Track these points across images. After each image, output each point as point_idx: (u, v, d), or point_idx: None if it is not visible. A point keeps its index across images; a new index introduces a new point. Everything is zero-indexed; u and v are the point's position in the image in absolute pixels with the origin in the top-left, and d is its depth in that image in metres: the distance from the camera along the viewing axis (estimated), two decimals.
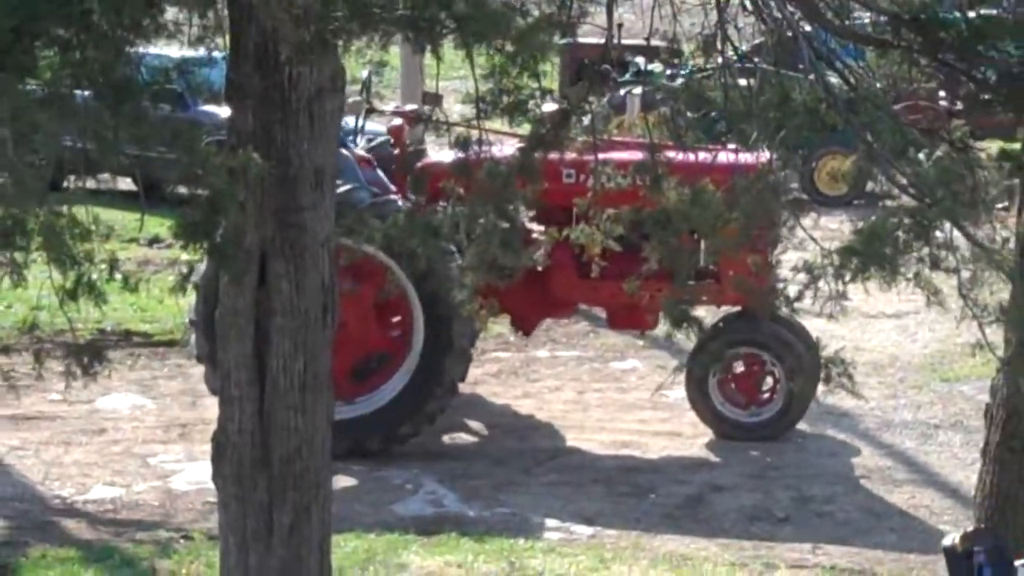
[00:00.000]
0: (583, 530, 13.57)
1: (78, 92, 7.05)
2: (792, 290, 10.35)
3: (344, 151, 15.54)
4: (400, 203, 14.64)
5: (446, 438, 15.56)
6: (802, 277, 9.96)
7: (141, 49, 7.45)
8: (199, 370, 16.02)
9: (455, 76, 14.09)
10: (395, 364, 15.11)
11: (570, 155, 11.57)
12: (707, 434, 15.57)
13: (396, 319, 15.26)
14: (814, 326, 14.90)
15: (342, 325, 14.50)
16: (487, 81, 9.80)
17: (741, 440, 15.37)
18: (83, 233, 7.35)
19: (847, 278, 9.60)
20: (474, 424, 16.00)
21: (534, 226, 15.55)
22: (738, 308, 15.23)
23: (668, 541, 13.37)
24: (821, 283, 9.82)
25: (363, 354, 15.11)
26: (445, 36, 7.69)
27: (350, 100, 16.70)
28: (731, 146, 12.01)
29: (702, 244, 12.85)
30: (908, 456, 15.30)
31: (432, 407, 15.02)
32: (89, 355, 8.90)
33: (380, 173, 15.57)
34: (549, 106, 11.17)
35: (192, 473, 14.28)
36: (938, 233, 9.46)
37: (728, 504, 14.19)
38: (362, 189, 14.74)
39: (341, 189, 14.77)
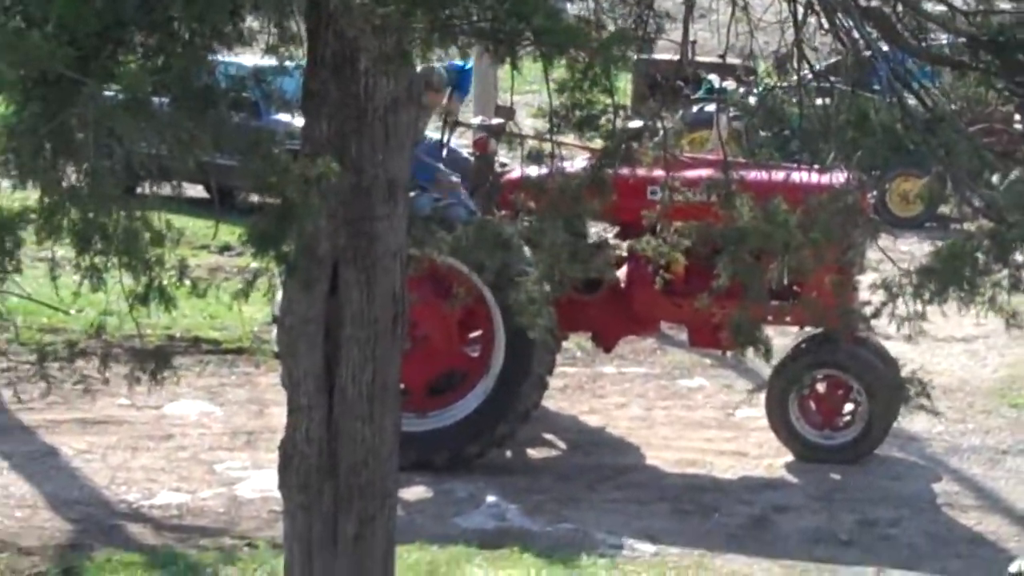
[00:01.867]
0: (646, 548, 13.56)
1: (155, 99, 7.08)
2: (868, 310, 10.34)
3: (444, 168, 15.66)
4: (463, 211, 14.68)
5: (510, 452, 15.56)
6: (879, 296, 9.94)
7: (220, 57, 7.49)
8: (266, 378, 16.15)
9: (528, 90, 14.08)
10: (471, 383, 15.18)
11: (658, 172, 11.57)
12: (773, 454, 15.56)
13: (476, 335, 15.25)
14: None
15: (425, 339, 14.66)
16: (560, 95, 9.83)
17: (819, 462, 15.32)
18: (156, 238, 7.39)
19: (926, 298, 9.57)
20: (539, 438, 15.99)
21: (620, 243, 15.58)
22: (820, 329, 15.19)
23: (731, 561, 13.37)
24: (899, 303, 9.80)
25: (442, 370, 15.20)
26: (525, 48, 7.70)
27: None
28: (805, 165, 12.02)
29: (783, 264, 12.82)
30: (976, 482, 15.24)
31: (502, 431, 15.08)
32: (155, 361, 8.98)
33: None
34: (634, 123, 11.20)
35: (257, 481, 14.34)
36: (1018, 256, 9.44)
37: (792, 525, 14.17)
38: (460, 206, 14.80)
39: (441, 204, 14.88)
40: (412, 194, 14.80)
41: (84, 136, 6.83)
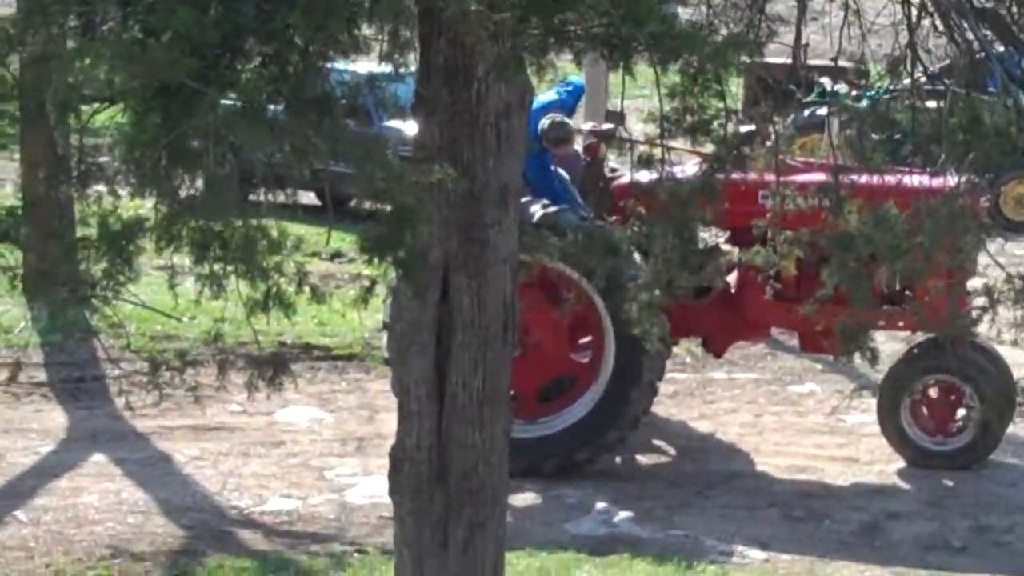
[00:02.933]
0: (756, 554, 13.57)
1: (271, 107, 7.17)
2: (975, 315, 10.32)
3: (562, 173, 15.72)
4: (574, 217, 14.72)
5: (620, 458, 15.58)
6: (981, 301, 9.93)
7: (336, 65, 7.57)
8: (376, 385, 16.22)
9: (637, 95, 14.12)
10: (581, 389, 15.21)
11: (769, 176, 11.57)
12: (884, 460, 15.50)
13: (587, 341, 15.28)
14: None
15: (536, 346, 14.72)
16: (672, 100, 9.86)
17: (931, 468, 15.26)
18: (274, 245, 7.47)
19: None
20: (649, 445, 16.00)
21: (731, 249, 15.59)
22: (932, 335, 15.13)
23: (842, 568, 13.36)
24: (1007, 309, 9.78)
25: (552, 376, 15.25)
26: (639, 53, 7.75)
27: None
28: (917, 169, 11.96)
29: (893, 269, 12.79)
30: None
31: (612, 437, 15.11)
32: (272, 367, 9.08)
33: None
34: (746, 127, 11.21)
35: (367, 487, 14.41)
36: None
37: (904, 532, 14.12)
38: (570, 211, 14.85)
39: (552, 209, 14.93)
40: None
41: (201, 145, 6.92)
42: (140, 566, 12.87)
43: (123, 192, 7.97)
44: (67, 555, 13.04)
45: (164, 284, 8.79)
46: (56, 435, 15.59)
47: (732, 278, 15.70)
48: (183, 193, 7.31)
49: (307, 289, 7.81)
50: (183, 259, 7.57)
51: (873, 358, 11.44)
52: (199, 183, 7.29)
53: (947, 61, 10.47)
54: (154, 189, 7.34)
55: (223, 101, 6.96)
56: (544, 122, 15.34)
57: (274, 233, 7.59)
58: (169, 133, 6.87)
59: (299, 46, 6.85)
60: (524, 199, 13.97)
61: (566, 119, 15.85)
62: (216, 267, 7.50)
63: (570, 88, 16.62)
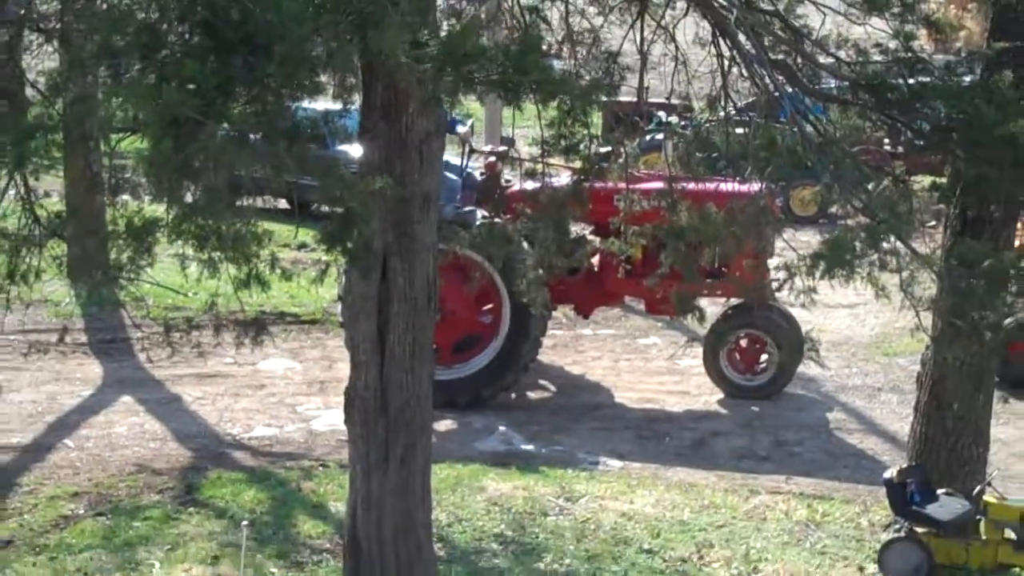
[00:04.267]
0: (615, 463, 13.66)
1: (253, 135, 7.12)
2: (775, 285, 10.36)
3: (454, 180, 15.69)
4: (479, 215, 14.72)
5: (514, 395, 15.62)
6: (782, 275, 9.98)
7: (301, 104, 7.52)
8: (334, 342, 16.18)
9: (524, 125, 14.14)
10: (485, 344, 15.23)
11: (621, 185, 11.58)
12: (708, 393, 15.62)
13: (489, 308, 15.30)
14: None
15: (452, 312, 14.72)
16: (550, 128, 9.87)
17: (742, 398, 15.40)
18: (256, 239, 7.44)
19: (817, 276, 9.61)
20: (536, 384, 16.05)
21: (594, 238, 15.62)
22: (742, 300, 15.25)
23: (678, 472, 13.46)
24: (797, 280, 9.83)
25: (464, 334, 15.24)
26: (526, 94, 7.74)
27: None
28: (729, 178, 11.97)
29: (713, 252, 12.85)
30: (858, 411, 15.31)
31: (508, 379, 15.19)
32: (256, 329, 9.04)
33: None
34: (604, 149, 11.22)
35: (328, 418, 14.40)
36: (884, 244, 9.46)
37: (723, 446, 14.25)
38: (475, 212, 14.86)
39: (463, 210, 14.92)
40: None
41: (202, 164, 6.87)
42: (159, 479, 12.82)
43: (143, 199, 7.92)
44: (104, 471, 12.98)
45: (174, 268, 8.76)
46: (94, 382, 15.50)
47: (595, 260, 15.76)
48: (188, 199, 7.26)
49: (279, 271, 7.76)
50: (188, 249, 7.54)
51: (700, 318, 11.52)
52: (200, 192, 7.24)
53: (751, 99, 10.51)
54: (167, 197, 7.28)
55: (218, 131, 6.93)
56: None
57: (256, 229, 7.56)
58: (178, 155, 6.80)
59: (274, 89, 6.80)
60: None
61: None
62: (213, 255, 7.45)
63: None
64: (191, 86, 6.59)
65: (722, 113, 10.58)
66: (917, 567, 11.03)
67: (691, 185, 12.35)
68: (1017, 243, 11.97)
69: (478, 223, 13.99)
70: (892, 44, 9.83)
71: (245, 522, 10.84)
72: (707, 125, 12.36)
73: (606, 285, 16.00)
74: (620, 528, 11.90)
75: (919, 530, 11.14)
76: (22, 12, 7.73)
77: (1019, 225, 12.28)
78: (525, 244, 12.36)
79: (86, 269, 11.98)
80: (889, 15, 9.62)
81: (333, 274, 9.10)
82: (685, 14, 10.20)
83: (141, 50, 6.85)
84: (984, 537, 11.12)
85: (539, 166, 12.02)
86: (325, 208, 8.06)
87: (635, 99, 11.94)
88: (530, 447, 14.03)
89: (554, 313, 16.32)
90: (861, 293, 10.23)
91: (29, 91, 8.63)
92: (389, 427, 9.82)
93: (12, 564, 10.93)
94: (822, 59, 9.98)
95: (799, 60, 9.83)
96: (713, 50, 9.94)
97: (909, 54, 9.77)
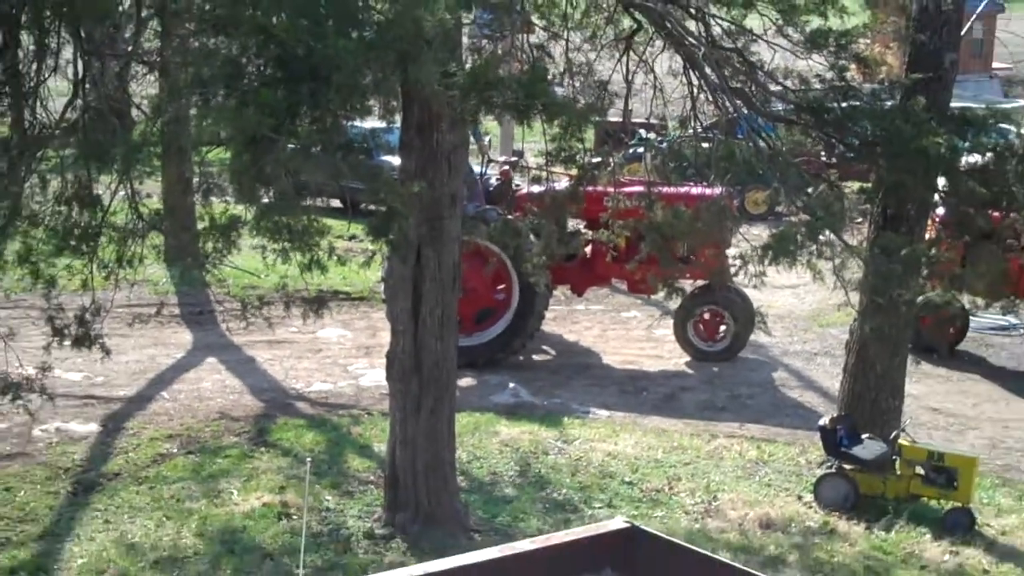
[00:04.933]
0: (603, 412, 13.60)
1: (316, 149, 7.14)
2: (732, 270, 10.36)
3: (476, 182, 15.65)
4: (496, 214, 14.71)
5: (522, 357, 15.60)
6: (738, 262, 10.00)
7: (354, 123, 7.54)
8: (378, 314, 16.14)
9: (532, 139, 14.12)
10: (499, 316, 15.10)
11: (610, 188, 11.57)
12: (678, 356, 15.53)
13: (502, 287, 15.27)
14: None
15: (472, 290, 14.69)
16: (553, 142, 9.89)
17: (705, 361, 15.36)
18: (317, 231, 7.47)
19: (766, 263, 9.64)
20: (539, 349, 16.03)
21: (587, 231, 15.59)
22: (705, 282, 15.23)
23: (653, 420, 13.40)
24: (750, 266, 9.85)
25: (482, 308, 15.15)
26: (535, 115, 7.77)
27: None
28: (697, 183, 11.95)
29: (683, 243, 12.80)
30: (798, 372, 15.25)
31: (517, 344, 15.08)
32: (316, 305, 9.08)
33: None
34: (596, 159, 11.22)
35: (372, 376, 14.31)
36: (821, 237, 9.46)
37: (689, 399, 14.19)
38: (492, 211, 14.80)
39: (482, 208, 14.88)
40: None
41: (274, 172, 6.90)
42: (237, 424, 12.79)
43: (228, 200, 7.95)
44: (192, 418, 12.98)
45: (250, 255, 8.76)
46: (185, 347, 15.48)
47: (588, 249, 15.75)
48: (264, 200, 7.30)
49: (335, 258, 7.82)
50: (264, 240, 7.56)
51: (678, 294, 11.55)
52: (274, 195, 7.27)
53: (715, 119, 10.51)
54: (247, 199, 7.33)
55: (288, 145, 6.96)
56: None
57: (317, 225, 7.58)
58: (255, 165, 6.85)
59: (332, 112, 6.83)
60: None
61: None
62: (284, 245, 7.49)
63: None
64: (266, 109, 6.63)
65: (691, 131, 10.59)
66: (845, 496, 11.06)
67: (666, 189, 12.40)
68: (928, 235, 11.96)
69: (494, 219, 13.98)
70: (829, 75, 9.85)
71: (309, 459, 10.85)
72: (679, 140, 12.38)
73: (596, 269, 15.95)
74: (606, 464, 11.91)
75: (847, 467, 11.16)
76: (130, 48, 7.75)
77: (929, 221, 12.27)
78: (532, 236, 12.37)
79: (180, 256, 11.97)
80: (826, 52, 9.64)
81: (378, 260, 9.14)
82: (662, 50, 10.19)
83: (225, 80, 6.90)
84: (899, 473, 11.14)
85: (543, 173, 12.08)
86: (371, 207, 8.07)
87: (621, 119, 11.95)
88: (534, 399, 13.96)
89: (554, 292, 16.34)
90: (801, 276, 10.21)
91: (135, 112, 8.66)
92: (422, 383, 9.89)
93: (120, 492, 10.99)
94: (772, 87, 9.98)
95: (754, 88, 9.84)
96: (684, 79, 9.96)
97: (842, 83, 9.79)
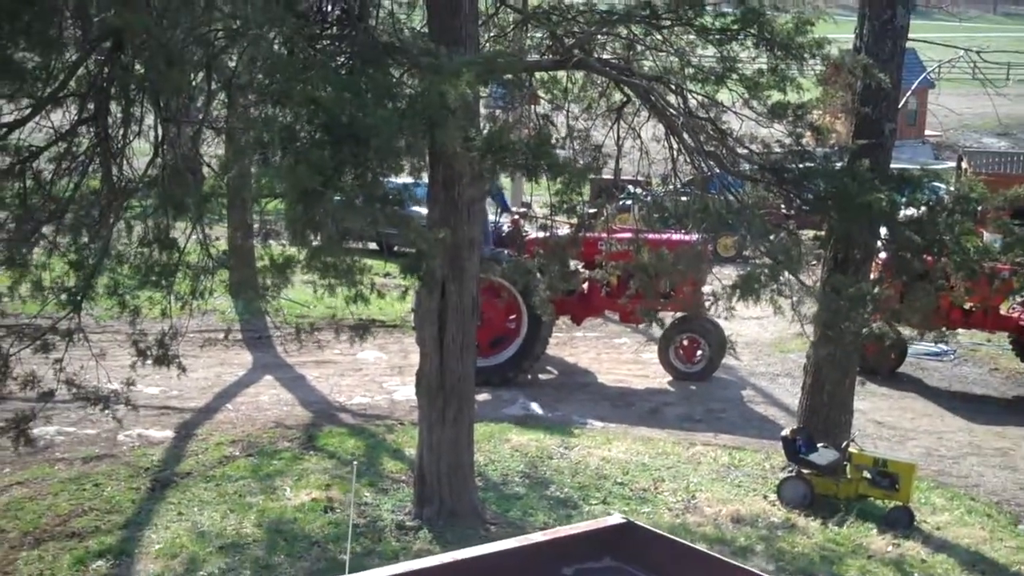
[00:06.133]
0: (598, 423, 13.54)
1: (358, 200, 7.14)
2: (707, 304, 10.32)
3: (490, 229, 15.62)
4: (508, 255, 14.69)
5: (530, 376, 15.54)
6: (712, 297, 9.97)
7: (390, 179, 7.54)
8: (409, 339, 16.09)
9: (539, 193, 14.13)
10: (510, 342, 15.07)
11: (603, 234, 11.55)
12: (661, 377, 15.49)
13: (513, 318, 15.24)
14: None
15: (488, 319, 14.66)
16: (556, 196, 9.89)
17: (685, 380, 15.29)
18: (360, 270, 7.45)
19: (735, 299, 9.61)
20: (545, 369, 15.98)
21: (585, 270, 15.56)
22: (685, 313, 15.19)
23: (641, 430, 13.33)
24: (721, 301, 9.83)
25: (496, 334, 15.11)
26: (541, 173, 7.78)
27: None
28: (677, 231, 11.89)
29: (665, 281, 12.79)
30: (763, 390, 15.17)
31: (526, 365, 15.02)
32: (360, 331, 9.06)
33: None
34: (592, 210, 11.21)
35: (404, 391, 14.26)
36: (781, 277, 9.43)
37: (671, 412, 14.12)
38: (503, 253, 14.80)
39: (496, 251, 14.87)
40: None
41: (322, 220, 6.91)
42: (290, 431, 12.75)
43: (283, 243, 7.96)
44: (252, 426, 12.95)
45: (301, 288, 8.74)
46: (246, 366, 15.47)
47: (585, 285, 15.73)
48: (314, 244, 7.30)
49: (376, 292, 7.82)
50: (314, 277, 7.55)
51: (661, 324, 11.48)
52: (322, 239, 7.27)
53: (692, 177, 10.51)
54: (299, 242, 7.33)
55: (334, 197, 6.96)
56: None
57: (360, 264, 7.58)
58: (307, 214, 6.86)
59: (372, 169, 6.85)
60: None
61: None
62: (331, 280, 7.49)
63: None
64: (315, 167, 6.65)
65: (672, 186, 10.59)
66: (804, 496, 10.97)
67: (650, 235, 12.39)
68: (872, 276, 11.92)
69: (507, 260, 13.97)
70: (788, 141, 9.86)
71: (354, 462, 10.79)
72: (662, 195, 12.35)
73: (593, 302, 15.93)
74: (601, 467, 11.84)
75: (805, 471, 11.09)
76: (201, 116, 7.78)
77: (873, 264, 12.23)
78: (538, 274, 12.36)
79: (243, 289, 11.98)
80: (786, 122, 9.66)
81: (410, 294, 9.13)
82: (647, 120, 10.22)
83: (282, 143, 6.93)
84: (849, 476, 11.05)
85: (548, 222, 12.09)
86: (404, 249, 8.06)
87: (613, 176, 11.97)
88: (540, 412, 13.93)
89: (557, 321, 16.32)
90: (765, 309, 10.20)
91: (206, 169, 8.68)
92: (445, 398, 9.84)
93: (191, 488, 10.94)
94: (740, 150, 9.99)
95: (724, 151, 9.84)
96: (666, 144, 9.97)
97: (799, 148, 9.80)
